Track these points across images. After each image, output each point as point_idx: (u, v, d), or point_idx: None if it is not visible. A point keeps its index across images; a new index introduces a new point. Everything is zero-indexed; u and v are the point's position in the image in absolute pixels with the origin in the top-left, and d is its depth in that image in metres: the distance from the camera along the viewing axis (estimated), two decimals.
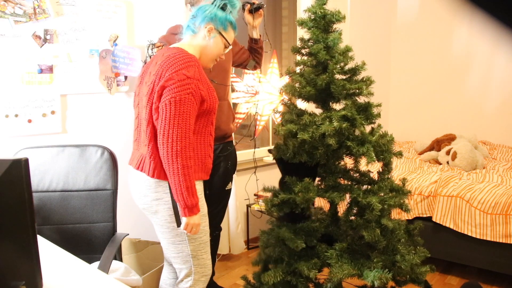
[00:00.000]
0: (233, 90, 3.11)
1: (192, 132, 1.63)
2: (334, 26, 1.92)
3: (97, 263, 1.74)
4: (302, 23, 1.92)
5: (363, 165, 2.01)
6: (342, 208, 2.13)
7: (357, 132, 1.85)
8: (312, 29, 1.90)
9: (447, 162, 3.34)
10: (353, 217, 1.90)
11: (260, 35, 2.48)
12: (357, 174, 2.00)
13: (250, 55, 2.48)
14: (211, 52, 1.77)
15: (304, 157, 1.85)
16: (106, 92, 2.50)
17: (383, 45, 4.49)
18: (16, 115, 2.20)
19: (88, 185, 1.99)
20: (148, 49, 2.44)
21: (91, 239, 1.99)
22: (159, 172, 1.66)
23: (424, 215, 2.84)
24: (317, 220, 1.94)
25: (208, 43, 1.75)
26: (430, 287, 1.99)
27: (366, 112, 1.88)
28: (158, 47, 2.33)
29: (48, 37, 2.26)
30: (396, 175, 3.05)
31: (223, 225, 2.70)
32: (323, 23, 1.89)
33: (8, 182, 1.05)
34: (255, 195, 3.28)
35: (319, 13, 1.88)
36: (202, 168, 1.74)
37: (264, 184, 2.07)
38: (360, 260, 1.80)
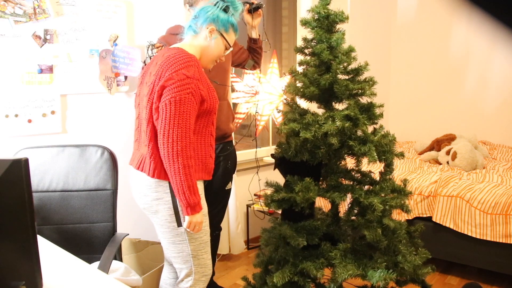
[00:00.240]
0: (233, 90, 3.11)
1: (192, 132, 1.64)
2: (338, 26, 1.92)
3: (97, 263, 1.74)
4: (306, 23, 1.92)
5: (364, 165, 2.01)
6: (343, 208, 2.14)
7: (359, 132, 1.85)
8: (315, 29, 1.90)
9: (447, 162, 3.34)
10: (354, 217, 1.90)
11: (259, 35, 2.48)
12: (359, 175, 2.00)
13: (249, 55, 2.49)
14: (212, 53, 1.77)
15: (306, 156, 1.85)
16: (106, 92, 2.50)
17: (383, 45, 4.49)
18: (16, 115, 2.20)
19: (88, 185, 1.99)
20: (147, 50, 2.44)
21: (91, 239, 1.99)
22: (159, 172, 1.66)
23: (424, 215, 2.84)
24: (318, 219, 1.94)
25: (209, 44, 1.75)
26: (429, 287, 2.00)
27: (369, 112, 1.88)
28: (157, 47, 2.33)
29: (48, 37, 2.26)
30: (396, 175, 3.05)
31: (223, 225, 2.70)
32: (327, 23, 1.89)
33: (8, 182, 1.05)
34: (255, 195, 3.28)
35: (323, 13, 1.88)
36: (203, 168, 1.74)
37: (266, 182, 2.07)
38: (364, 260, 1.80)
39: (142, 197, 1.74)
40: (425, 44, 4.31)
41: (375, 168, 2.99)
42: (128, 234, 2.05)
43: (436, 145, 3.63)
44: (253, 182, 3.28)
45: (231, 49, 1.82)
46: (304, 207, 1.82)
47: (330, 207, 2.05)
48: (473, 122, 4.08)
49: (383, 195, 1.87)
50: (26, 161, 1.07)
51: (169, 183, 1.67)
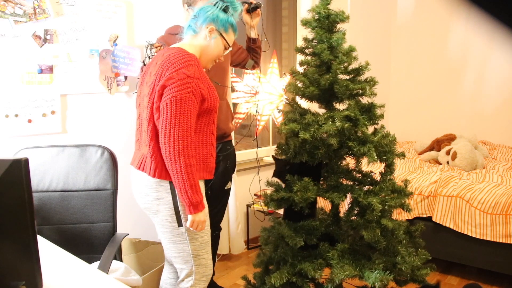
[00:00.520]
0: (233, 90, 3.11)
1: (193, 131, 1.64)
2: (338, 26, 1.92)
3: (97, 263, 1.74)
4: (306, 23, 1.92)
5: (365, 166, 2.01)
6: (344, 208, 2.13)
7: (359, 133, 1.85)
8: (316, 29, 1.90)
9: (447, 162, 3.34)
10: (354, 217, 1.90)
11: (258, 35, 2.48)
12: (359, 175, 2.00)
13: (249, 55, 2.49)
14: (211, 53, 1.77)
15: (305, 157, 1.85)
16: (106, 92, 2.50)
17: (383, 45, 4.49)
18: (16, 115, 2.20)
19: (88, 185, 1.99)
20: (146, 50, 2.44)
21: (91, 239, 1.99)
22: (160, 172, 1.66)
23: (424, 215, 2.84)
24: (318, 219, 1.94)
25: (209, 44, 1.75)
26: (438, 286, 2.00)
27: (370, 112, 1.88)
28: (156, 47, 2.33)
29: (48, 37, 2.26)
30: (396, 175, 3.05)
31: (223, 225, 2.70)
32: (327, 23, 1.89)
33: (8, 182, 1.05)
34: (255, 195, 3.28)
35: (323, 13, 1.88)
36: (204, 168, 1.74)
37: (267, 181, 2.07)
38: (361, 261, 1.80)
39: (143, 197, 1.74)
40: (425, 44, 4.31)
41: (376, 168, 2.99)
42: (128, 234, 2.05)
43: (436, 145, 3.63)
44: (253, 182, 3.28)
45: (230, 49, 1.82)
46: (303, 207, 1.82)
47: (330, 207, 2.05)
48: (473, 122, 4.08)
49: (383, 195, 1.87)
50: (26, 161, 1.07)
51: (170, 183, 1.67)
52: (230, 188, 2.50)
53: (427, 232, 2.76)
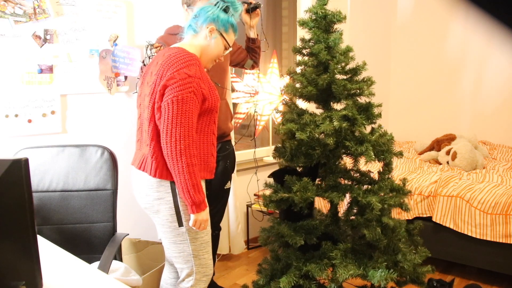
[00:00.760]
0: (233, 90, 3.11)
1: (194, 131, 1.64)
2: (335, 26, 1.92)
3: (97, 263, 1.74)
4: (303, 24, 1.92)
5: (363, 165, 2.01)
6: (342, 208, 2.13)
7: (357, 132, 1.85)
8: (313, 29, 1.90)
9: (447, 162, 3.34)
10: (353, 217, 1.90)
11: (257, 35, 2.48)
12: (358, 174, 2.00)
13: (248, 55, 2.49)
14: (212, 53, 1.78)
15: (302, 159, 1.86)
16: (106, 92, 2.50)
17: (383, 45, 4.49)
18: (16, 115, 2.20)
19: (88, 185, 1.99)
20: (146, 50, 2.44)
21: (91, 239, 1.99)
22: (160, 172, 1.66)
23: (424, 215, 2.84)
24: (317, 219, 1.94)
25: (209, 43, 1.75)
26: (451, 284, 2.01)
27: (367, 112, 1.88)
28: (156, 47, 2.33)
29: (48, 37, 2.26)
30: (396, 175, 3.05)
31: (223, 225, 2.70)
32: (324, 23, 1.89)
33: (8, 182, 1.05)
34: (255, 195, 3.28)
35: (320, 13, 1.88)
36: (205, 167, 1.75)
37: (265, 183, 2.07)
38: (364, 260, 1.80)
39: (144, 197, 1.74)
40: (425, 44, 4.31)
41: (374, 168, 2.99)
42: (128, 234, 2.05)
43: (436, 145, 3.63)
44: (253, 182, 3.29)
45: (230, 49, 1.82)
46: (302, 207, 1.82)
47: (329, 207, 2.05)
48: (473, 122, 4.08)
49: (382, 194, 1.87)
50: (26, 161, 1.07)
51: (171, 182, 1.67)
52: (229, 188, 2.50)
53: (427, 232, 2.76)
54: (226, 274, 2.94)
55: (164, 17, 2.64)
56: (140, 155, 1.77)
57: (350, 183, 1.97)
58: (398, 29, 4.50)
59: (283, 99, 2.12)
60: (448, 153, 3.35)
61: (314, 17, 1.90)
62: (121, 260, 2.04)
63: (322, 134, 1.80)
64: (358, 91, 1.88)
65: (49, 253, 1.51)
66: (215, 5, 1.74)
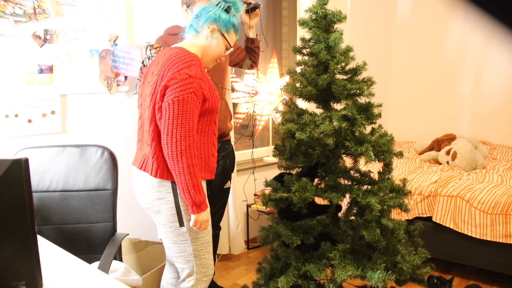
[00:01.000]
0: (233, 90, 3.11)
1: (195, 131, 1.64)
2: (335, 26, 1.92)
3: (97, 263, 1.74)
4: (303, 23, 1.92)
5: (363, 165, 2.01)
6: (342, 208, 2.13)
7: (357, 132, 1.85)
8: (313, 29, 1.90)
9: (447, 162, 3.34)
10: (352, 217, 1.90)
11: (256, 35, 2.48)
12: (358, 175, 2.00)
13: (247, 55, 2.49)
14: (213, 53, 1.78)
15: (301, 158, 1.86)
16: (106, 92, 2.50)
17: (383, 45, 4.49)
18: (16, 115, 2.20)
19: (88, 185, 1.99)
20: (146, 50, 2.44)
21: (91, 239, 1.99)
22: (161, 172, 1.66)
23: (424, 215, 2.84)
24: (315, 219, 1.94)
25: (210, 43, 1.75)
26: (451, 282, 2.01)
27: (367, 112, 1.88)
28: (155, 48, 2.33)
29: (48, 37, 2.26)
30: (396, 175, 3.05)
31: (223, 225, 2.70)
32: (324, 23, 1.89)
33: (8, 182, 1.05)
34: (255, 195, 3.28)
35: (320, 13, 1.88)
36: (206, 168, 1.75)
37: (265, 181, 2.07)
38: (363, 261, 1.80)
39: (145, 197, 1.74)
40: (425, 44, 4.31)
41: (374, 168, 2.99)
42: (128, 234, 2.05)
43: (436, 145, 3.63)
44: (253, 182, 3.29)
45: (231, 49, 1.82)
46: (301, 207, 1.82)
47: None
48: (473, 122, 4.08)
49: (381, 195, 1.87)
50: (26, 161, 1.07)
51: (172, 183, 1.67)
52: (229, 187, 2.50)
53: (427, 232, 2.76)
54: (226, 274, 2.94)
55: (164, 17, 2.64)
56: (141, 155, 1.77)
57: (349, 183, 1.97)
58: (398, 29, 4.50)
59: (283, 99, 2.12)
60: (448, 153, 3.35)
61: (314, 17, 1.90)
62: (121, 260, 2.04)
63: (322, 134, 1.80)
64: (358, 91, 1.88)
65: (49, 253, 1.51)
66: (217, 5, 1.74)
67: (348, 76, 1.92)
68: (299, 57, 1.99)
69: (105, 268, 1.68)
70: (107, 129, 2.54)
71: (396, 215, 2.85)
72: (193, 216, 1.66)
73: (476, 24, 3.68)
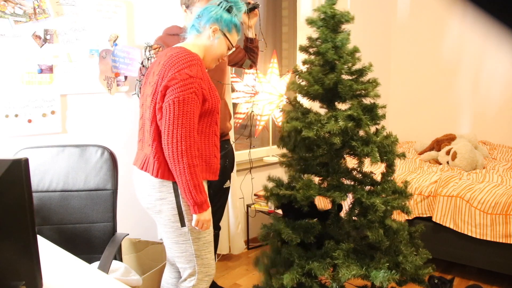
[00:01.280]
0: (233, 90, 3.11)
1: (196, 131, 1.64)
2: (342, 26, 1.92)
3: (97, 263, 1.74)
4: (312, 22, 1.92)
5: (366, 166, 2.01)
6: (344, 208, 2.13)
7: (361, 133, 1.85)
8: (321, 28, 1.90)
9: (447, 162, 3.34)
10: (355, 217, 1.90)
11: (255, 35, 2.49)
12: (360, 175, 2.00)
13: (246, 54, 2.50)
14: (215, 53, 1.78)
15: (303, 151, 1.86)
16: (106, 92, 2.50)
17: (383, 45, 4.49)
18: (16, 115, 2.20)
19: (88, 185, 1.99)
20: (145, 51, 2.44)
21: (91, 239, 1.99)
22: (162, 172, 1.66)
23: (424, 215, 2.84)
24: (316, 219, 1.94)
25: (212, 43, 1.75)
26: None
27: (372, 113, 1.88)
28: (154, 49, 2.33)
29: (48, 37, 2.26)
30: (396, 175, 3.05)
31: (223, 225, 2.70)
32: (332, 23, 1.89)
33: (8, 182, 1.05)
34: (255, 195, 3.28)
35: (329, 12, 1.88)
36: (208, 169, 1.74)
37: (268, 176, 2.08)
38: (366, 261, 1.80)
39: (146, 197, 1.74)
40: (425, 44, 4.31)
41: (375, 169, 2.99)
42: (128, 234, 2.05)
43: (436, 145, 3.63)
44: (253, 182, 3.28)
45: (233, 49, 1.83)
46: (303, 205, 1.83)
47: (330, 207, 2.05)
48: (473, 122, 4.08)
49: (384, 195, 1.87)
50: (26, 161, 1.07)
51: (173, 183, 1.67)
52: (229, 187, 2.50)
53: (427, 232, 2.76)
54: (226, 274, 2.94)
55: (163, 17, 2.64)
56: (142, 155, 1.77)
57: (352, 183, 1.97)
58: (398, 29, 4.50)
59: (287, 98, 2.12)
60: (448, 153, 3.35)
61: (323, 16, 1.90)
62: (121, 260, 2.04)
63: (328, 133, 1.80)
64: (364, 92, 1.88)
65: (49, 253, 1.51)
66: (218, 5, 1.74)
67: (354, 76, 1.93)
68: (304, 56, 1.99)
69: (105, 268, 1.68)
70: (107, 129, 2.54)
71: (396, 215, 2.85)
72: (195, 216, 1.66)
73: (475, 23, 3.68)
